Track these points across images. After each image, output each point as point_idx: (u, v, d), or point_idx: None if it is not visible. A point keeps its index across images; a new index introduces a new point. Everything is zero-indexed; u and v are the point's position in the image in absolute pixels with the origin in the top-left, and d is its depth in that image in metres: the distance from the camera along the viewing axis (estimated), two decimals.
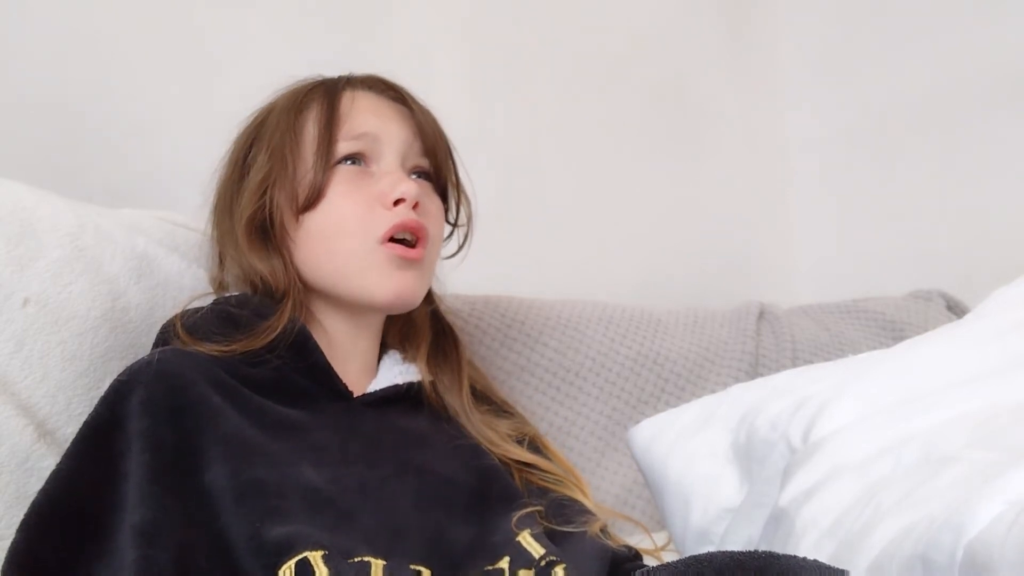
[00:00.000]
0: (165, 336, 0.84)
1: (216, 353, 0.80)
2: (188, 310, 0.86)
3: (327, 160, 0.87)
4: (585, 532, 0.83)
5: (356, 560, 0.70)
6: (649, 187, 1.80)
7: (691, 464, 0.91)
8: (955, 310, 1.55)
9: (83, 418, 0.75)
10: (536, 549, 0.77)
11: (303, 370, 0.84)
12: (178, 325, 0.82)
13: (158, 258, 0.96)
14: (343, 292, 0.88)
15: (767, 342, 1.42)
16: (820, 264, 1.95)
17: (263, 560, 0.68)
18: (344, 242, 0.87)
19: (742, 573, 0.57)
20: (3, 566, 0.67)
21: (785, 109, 2.00)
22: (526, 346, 1.26)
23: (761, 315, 1.49)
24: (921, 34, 1.79)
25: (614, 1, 1.78)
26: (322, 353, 0.85)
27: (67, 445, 0.74)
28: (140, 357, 0.78)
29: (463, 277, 1.03)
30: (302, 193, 0.87)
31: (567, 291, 1.42)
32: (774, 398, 0.88)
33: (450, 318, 1.01)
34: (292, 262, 0.88)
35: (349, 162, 0.89)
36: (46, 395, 0.83)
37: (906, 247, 1.80)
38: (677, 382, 1.33)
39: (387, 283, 0.86)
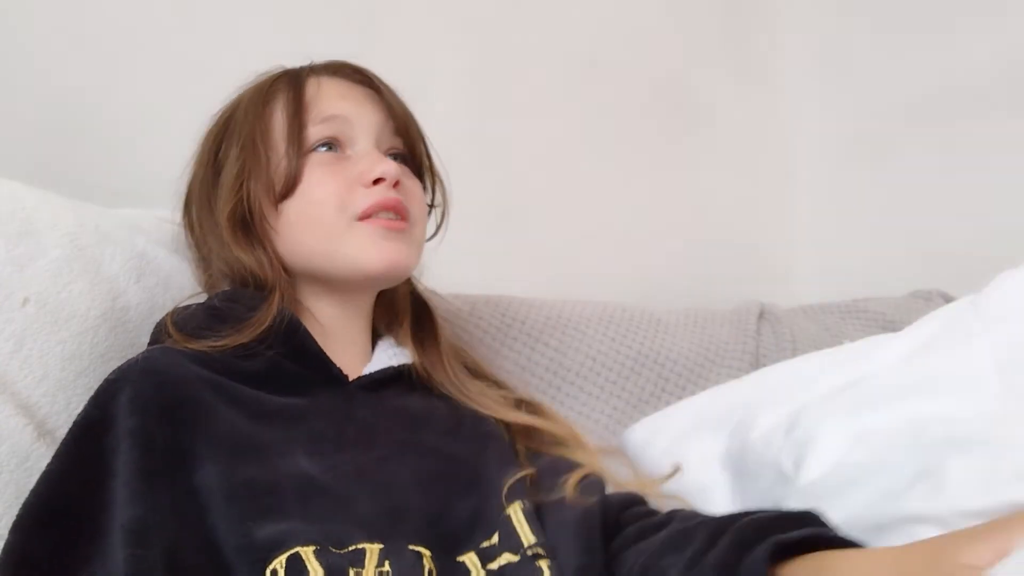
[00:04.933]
0: (158, 335, 0.84)
1: (207, 349, 0.79)
2: (179, 308, 0.86)
3: (299, 147, 0.88)
4: (565, 500, 0.82)
5: (350, 549, 0.70)
6: (650, 186, 1.80)
7: (684, 472, 0.91)
8: None
9: None
10: (527, 536, 0.77)
11: (295, 358, 0.84)
12: (169, 323, 0.82)
13: (158, 258, 0.96)
14: (331, 271, 0.88)
15: (767, 342, 1.42)
16: (820, 264, 1.95)
17: (254, 557, 0.68)
18: (324, 224, 0.87)
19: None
20: None
21: (785, 109, 2.00)
22: (526, 346, 1.26)
23: (761, 315, 1.49)
24: (921, 34, 1.79)
25: (615, 0, 1.78)
26: (313, 340, 0.85)
27: None
28: None
29: (463, 277, 1.03)
30: (278, 182, 0.87)
31: (567, 291, 1.42)
32: (766, 407, 0.88)
33: (427, 296, 1.01)
34: (276, 253, 0.88)
35: (324, 148, 0.89)
36: (46, 395, 0.82)
37: (906, 247, 1.80)
38: (677, 382, 1.33)
39: (376, 253, 0.86)
